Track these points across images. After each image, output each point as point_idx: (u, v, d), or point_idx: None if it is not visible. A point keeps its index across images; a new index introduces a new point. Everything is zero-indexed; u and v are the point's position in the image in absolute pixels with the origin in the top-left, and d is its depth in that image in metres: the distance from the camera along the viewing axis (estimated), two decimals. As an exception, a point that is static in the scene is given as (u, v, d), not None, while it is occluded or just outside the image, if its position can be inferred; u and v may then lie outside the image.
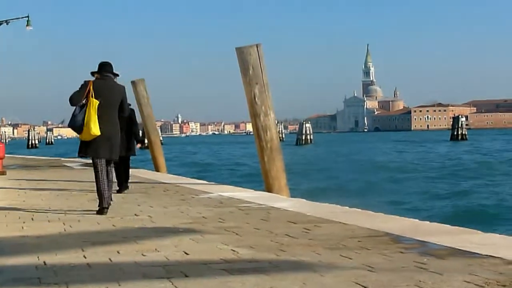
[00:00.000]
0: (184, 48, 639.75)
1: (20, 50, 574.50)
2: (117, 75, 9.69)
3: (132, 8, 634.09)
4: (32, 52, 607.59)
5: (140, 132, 14.08)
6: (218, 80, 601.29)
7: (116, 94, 9.43)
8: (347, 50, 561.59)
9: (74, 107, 9.15)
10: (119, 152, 9.84)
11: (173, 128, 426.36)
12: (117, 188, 12.43)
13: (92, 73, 9.53)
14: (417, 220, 8.03)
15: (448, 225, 7.49)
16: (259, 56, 13.03)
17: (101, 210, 9.15)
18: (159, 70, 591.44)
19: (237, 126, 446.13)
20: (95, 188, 9.36)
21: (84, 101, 9.08)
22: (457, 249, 5.73)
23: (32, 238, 7.05)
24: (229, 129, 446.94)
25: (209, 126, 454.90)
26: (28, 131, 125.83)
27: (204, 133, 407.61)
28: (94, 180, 9.36)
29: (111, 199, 9.54)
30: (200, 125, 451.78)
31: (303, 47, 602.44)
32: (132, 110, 12.75)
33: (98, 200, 9.27)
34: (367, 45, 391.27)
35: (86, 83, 9.18)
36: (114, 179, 10.55)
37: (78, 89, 9.13)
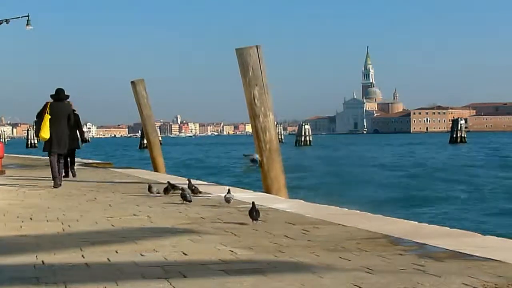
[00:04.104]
0: (183, 48, 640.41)
1: (20, 49, 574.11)
2: (68, 96, 15.05)
3: (131, 8, 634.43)
4: (32, 51, 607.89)
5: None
6: (217, 81, 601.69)
7: (64, 111, 14.65)
8: (346, 52, 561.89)
9: (37, 120, 14.66)
10: (67, 146, 15.04)
11: (172, 128, 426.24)
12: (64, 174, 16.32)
13: (51, 96, 14.72)
14: (416, 222, 8.04)
15: (447, 228, 7.50)
16: (259, 58, 13.02)
17: (55, 185, 14.00)
18: (158, 70, 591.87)
19: (236, 127, 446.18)
20: (50, 172, 14.33)
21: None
22: (456, 251, 5.73)
23: (30, 237, 7.05)
24: (228, 130, 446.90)
25: (208, 127, 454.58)
26: (27, 130, 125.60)
27: (202, 134, 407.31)
28: (49, 166, 14.46)
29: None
30: (199, 126, 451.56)
31: (302, 49, 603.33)
32: (78, 116, 17.41)
33: (54, 181, 14.09)
34: (367, 47, 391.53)
35: (45, 104, 14.51)
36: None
37: (41, 107, 14.54)
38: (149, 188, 11.62)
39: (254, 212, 7.81)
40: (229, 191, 9.98)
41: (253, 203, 8.00)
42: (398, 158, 64.70)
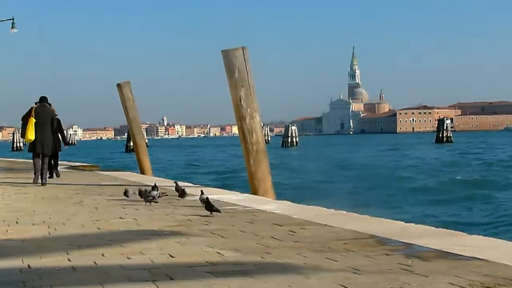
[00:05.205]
0: (170, 50, 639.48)
1: (5, 51, 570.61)
2: (50, 104, 16.60)
3: (117, 9, 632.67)
4: (17, 53, 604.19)
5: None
6: (204, 82, 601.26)
7: (48, 115, 16.03)
8: (333, 52, 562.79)
9: (23, 123, 15.89)
10: (51, 149, 16.43)
11: (159, 130, 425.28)
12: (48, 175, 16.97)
13: (36, 103, 16.12)
14: (402, 222, 8.06)
15: (433, 227, 7.53)
16: (244, 59, 13.01)
17: (35, 183, 15.47)
18: (145, 71, 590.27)
19: (222, 129, 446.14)
20: (33, 170, 15.89)
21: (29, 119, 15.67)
22: (442, 251, 5.75)
23: (16, 241, 7.01)
24: (215, 131, 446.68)
25: (195, 129, 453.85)
26: (13, 134, 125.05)
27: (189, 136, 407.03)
28: (33, 166, 15.97)
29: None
30: (186, 128, 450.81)
31: (288, 50, 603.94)
32: (59, 120, 17.81)
33: (35, 177, 15.68)
34: (353, 47, 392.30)
35: (30, 109, 15.90)
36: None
37: (27, 111, 15.88)
38: (125, 193, 11.36)
39: (213, 206, 8.86)
40: (202, 192, 9.89)
41: (207, 198, 9.15)
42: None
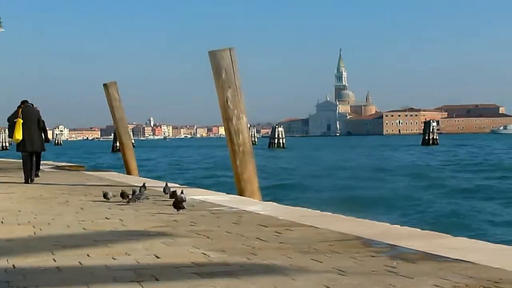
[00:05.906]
0: (156, 50, 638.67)
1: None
2: (32, 104, 17.21)
3: (103, 10, 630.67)
4: (4, 53, 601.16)
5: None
6: (191, 83, 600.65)
7: (34, 115, 16.75)
8: (319, 54, 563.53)
9: (10, 124, 16.65)
10: (36, 149, 16.97)
11: (145, 131, 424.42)
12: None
13: (19, 106, 16.70)
14: (388, 224, 8.08)
15: (418, 229, 7.55)
16: (231, 60, 12.99)
17: (26, 181, 16.03)
18: (131, 72, 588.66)
19: (209, 130, 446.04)
20: (22, 169, 16.56)
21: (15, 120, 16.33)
22: (427, 253, 5.77)
23: (1, 241, 6.97)
24: (201, 132, 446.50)
25: (182, 130, 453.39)
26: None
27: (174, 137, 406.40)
28: (22, 164, 16.66)
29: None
30: (172, 129, 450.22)
31: (275, 52, 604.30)
32: (43, 121, 17.77)
33: (25, 176, 16.26)
34: (340, 49, 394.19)
35: (17, 110, 16.53)
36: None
37: (13, 112, 16.63)
38: (105, 195, 11.21)
39: (179, 203, 9.20)
40: (182, 192, 9.91)
41: (174, 192, 9.88)
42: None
